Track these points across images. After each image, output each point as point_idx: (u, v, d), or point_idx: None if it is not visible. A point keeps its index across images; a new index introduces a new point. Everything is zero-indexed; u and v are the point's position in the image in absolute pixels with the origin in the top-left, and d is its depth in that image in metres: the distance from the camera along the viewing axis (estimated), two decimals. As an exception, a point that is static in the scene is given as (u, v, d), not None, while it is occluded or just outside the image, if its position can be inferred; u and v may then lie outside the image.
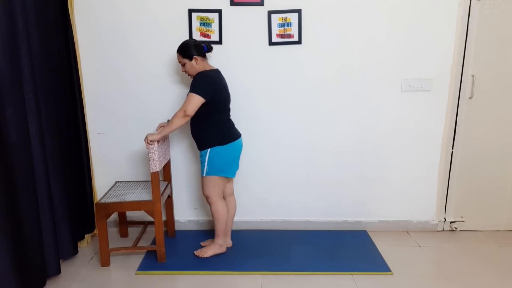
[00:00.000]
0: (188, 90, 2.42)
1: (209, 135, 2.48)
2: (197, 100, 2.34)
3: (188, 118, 2.39)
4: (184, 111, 2.35)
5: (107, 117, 2.94)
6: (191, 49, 2.42)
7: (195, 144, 2.59)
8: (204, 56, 2.47)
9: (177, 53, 2.46)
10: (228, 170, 2.56)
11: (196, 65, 2.44)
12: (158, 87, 2.88)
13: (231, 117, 2.59)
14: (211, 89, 2.37)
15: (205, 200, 2.65)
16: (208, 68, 2.47)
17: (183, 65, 2.47)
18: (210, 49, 2.50)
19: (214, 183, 2.54)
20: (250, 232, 3.06)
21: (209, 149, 2.48)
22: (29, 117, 2.14)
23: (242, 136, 2.66)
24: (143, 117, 2.92)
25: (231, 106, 2.58)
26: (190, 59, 2.43)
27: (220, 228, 2.64)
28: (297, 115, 2.92)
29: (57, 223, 2.44)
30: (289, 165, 3.01)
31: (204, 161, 2.50)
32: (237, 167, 2.67)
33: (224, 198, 2.70)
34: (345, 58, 2.81)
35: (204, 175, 2.53)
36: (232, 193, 2.77)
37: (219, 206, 2.59)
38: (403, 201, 3.05)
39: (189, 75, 2.50)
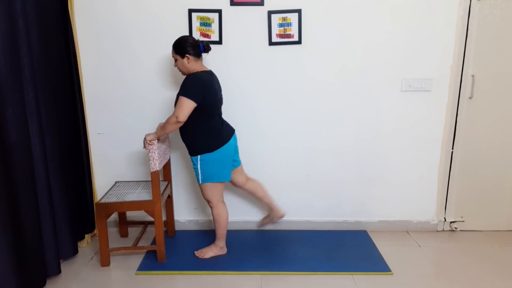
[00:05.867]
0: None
1: (197, 142, 2.42)
2: (189, 105, 2.26)
3: (181, 124, 2.33)
4: (177, 117, 2.28)
5: (107, 117, 2.94)
6: (185, 47, 2.34)
7: None
8: (198, 56, 2.39)
9: (172, 47, 2.40)
10: (222, 174, 2.51)
11: (188, 64, 2.36)
12: (158, 87, 2.88)
13: (222, 118, 2.52)
14: (202, 93, 2.29)
15: (206, 201, 2.65)
16: (200, 70, 2.39)
17: (176, 60, 2.41)
18: (207, 50, 2.41)
19: (212, 188, 2.52)
20: (250, 232, 3.06)
21: (199, 157, 2.43)
22: (29, 117, 2.14)
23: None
24: (143, 117, 2.92)
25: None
26: (182, 56, 2.36)
27: (221, 231, 2.64)
28: (297, 115, 2.91)
29: (57, 223, 2.44)
30: (289, 165, 3.00)
31: (197, 169, 2.46)
32: (238, 164, 2.67)
33: (242, 186, 2.73)
34: (345, 58, 2.81)
35: (200, 182, 2.51)
36: (247, 178, 2.76)
37: (220, 210, 2.58)
38: (403, 201, 3.05)
39: (180, 71, 2.45)
